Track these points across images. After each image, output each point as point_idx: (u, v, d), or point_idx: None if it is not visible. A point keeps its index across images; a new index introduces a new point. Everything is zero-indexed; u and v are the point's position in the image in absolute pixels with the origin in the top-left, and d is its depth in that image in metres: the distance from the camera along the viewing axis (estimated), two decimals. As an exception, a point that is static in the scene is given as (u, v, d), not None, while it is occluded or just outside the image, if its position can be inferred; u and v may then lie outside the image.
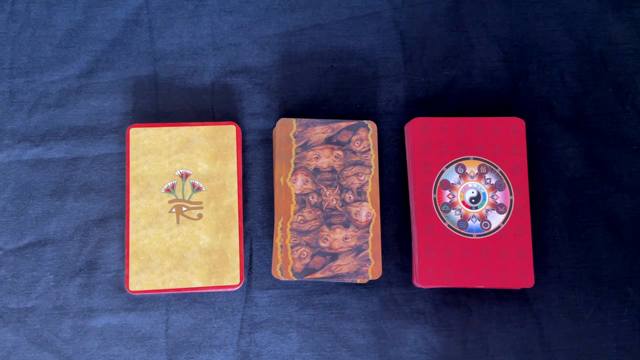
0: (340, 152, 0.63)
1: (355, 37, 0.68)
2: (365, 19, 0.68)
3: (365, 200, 0.63)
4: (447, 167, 0.64)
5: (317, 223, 0.62)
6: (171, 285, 0.61)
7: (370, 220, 0.63)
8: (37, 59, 0.66)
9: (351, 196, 0.63)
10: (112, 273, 0.63)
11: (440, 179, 0.63)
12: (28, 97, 0.65)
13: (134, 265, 0.61)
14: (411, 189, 0.64)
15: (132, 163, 0.63)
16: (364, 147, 0.64)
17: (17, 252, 0.63)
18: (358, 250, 0.62)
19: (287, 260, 0.62)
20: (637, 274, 0.65)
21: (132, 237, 0.62)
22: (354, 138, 0.64)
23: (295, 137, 0.63)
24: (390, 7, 0.69)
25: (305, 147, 0.63)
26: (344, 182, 0.63)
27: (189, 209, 0.62)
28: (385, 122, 0.67)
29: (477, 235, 0.62)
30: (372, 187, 0.63)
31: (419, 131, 0.64)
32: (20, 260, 0.63)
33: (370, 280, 0.63)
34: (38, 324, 0.62)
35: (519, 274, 0.62)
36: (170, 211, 0.62)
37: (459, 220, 0.63)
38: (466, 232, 0.62)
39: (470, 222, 0.63)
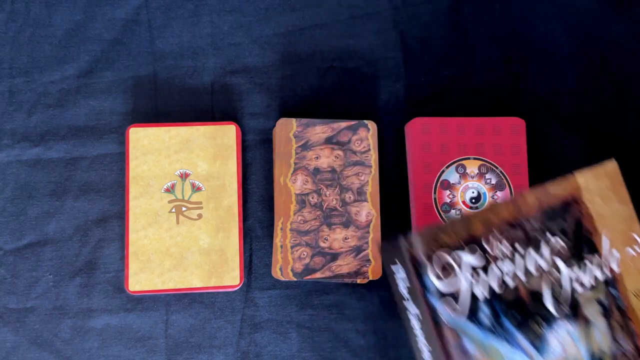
0: (340, 152, 0.63)
1: (355, 37, 0.68)
2: (365, 19, 0.68)
3: (366, 201, 0.63)
4: (447, 167, 0.64)
5: (317, 223, 0.62)
6: (171, 285, 0.61)
7: (371, 221, 0.62)
8: (37, 59, 0.66)
9: (351, 196, 0.63)
10: (111, 273, 0.63)
11: (441, 179, 0.63)
12: (27, 97, 0.65)
13: (133, 266, 0.61)
14: (411, 189, 0.64)
15: (132, 163, 0.62)
16: (364, 147, 0.64)
17: (17, 252, 0.63)
18: (358, 250, 0.62)
19: (287, 261, 0.62)
20: None
21: (132, 237, 0.61)
22: (354, 138, 0.64)
23: (295, 137, 0.63)
24: (390, 7, 0.69)
25: (305, 147, 0.63)
26: (344, 182, 0.63)
27: (188, 209, 0.62)
28: (385, 122, 0.67)
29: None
30: (372, 187, 0.63)
31: (419, 131, 0.64)
32: (20, 261, 0.63)
33: (370, 281, 0.63)
34: (37, 324, 0.62)
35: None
36: (170, 211, 0.62)
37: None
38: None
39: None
